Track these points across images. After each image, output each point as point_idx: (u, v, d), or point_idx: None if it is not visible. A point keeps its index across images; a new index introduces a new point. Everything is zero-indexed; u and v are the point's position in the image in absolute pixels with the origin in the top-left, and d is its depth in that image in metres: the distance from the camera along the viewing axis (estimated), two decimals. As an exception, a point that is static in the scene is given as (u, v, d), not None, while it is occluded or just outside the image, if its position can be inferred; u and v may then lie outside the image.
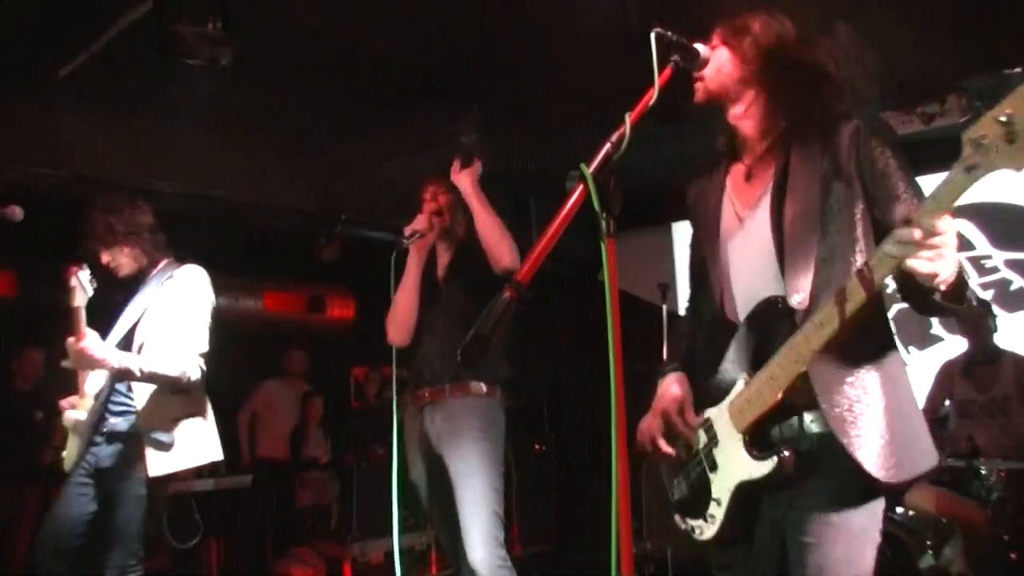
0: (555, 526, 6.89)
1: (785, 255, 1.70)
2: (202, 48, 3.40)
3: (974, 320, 4.43)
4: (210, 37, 3.40)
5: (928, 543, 3.99)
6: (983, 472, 3.98)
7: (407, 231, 3.04)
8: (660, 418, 1.90)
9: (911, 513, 4.05)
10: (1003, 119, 1.20)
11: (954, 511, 3.89)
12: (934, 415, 4.50)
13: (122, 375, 2.95)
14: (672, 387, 1.93)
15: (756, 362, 1.70)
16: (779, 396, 1.64)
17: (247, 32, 3.55)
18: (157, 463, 2.96)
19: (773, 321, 1.69)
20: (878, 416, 1.62)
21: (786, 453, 1.65)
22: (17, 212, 2.88)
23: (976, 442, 4.13)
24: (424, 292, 3.13)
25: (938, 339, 5.27)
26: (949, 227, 1.37)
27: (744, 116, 1.83)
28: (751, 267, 1.79)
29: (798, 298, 1.65)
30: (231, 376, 6.50)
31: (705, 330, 1.93)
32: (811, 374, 1.62)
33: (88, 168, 4.81)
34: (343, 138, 5.40)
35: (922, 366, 4.97)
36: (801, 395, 1.65)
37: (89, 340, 2.88)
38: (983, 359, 4.52)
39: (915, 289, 1.50)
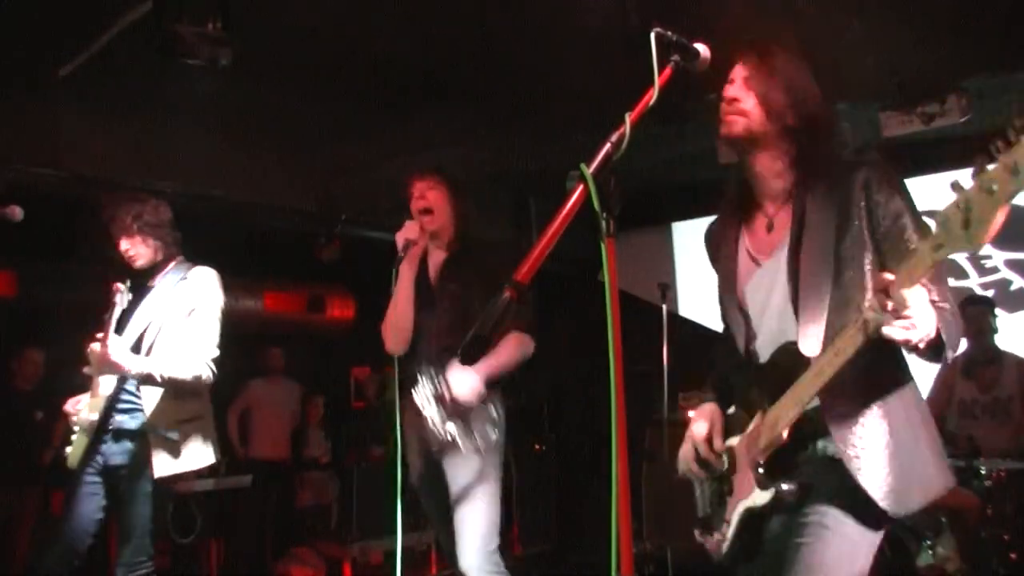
0: (555, 526, 6.89)
1: (800, 303, 1.78)
2: (202, 48, 3.39)
3: (975, 320, 4.43)
4: (210, 37, 3.39)
5: (927, 542, 3.99)
6: (983, 472, 3.98)
7: (399, 242, 2.95)
8: (691, 444, 2.02)
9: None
10: (961, 206, 1.34)
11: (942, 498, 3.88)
12: (938, 415, 4.50)
13: (143, 381, 2.99)
14: (703, 416, 2.03)
15: (770, 400, 1.81)
16: (785, 435, 1.75)
17: (247, 32, 3.54)
18: (163, 464, 2.98)
19: (789, 365, 1.77)
20: (886, 449, 1.71)
21: (785, 487, 1.76)
22: (17, 212, 2.89)
23: (976, 442, 4.13)
24: (419, 295, 3.05)
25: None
26: (918, 299, 1.47)
27: (772, 163, 1.87)
28: (772, 313, 1.87)
29: (810, 345, 1.74)
30: (232, 377, 6.51)
31: (734, 366, 2.03)
32: (823, 406, 1.71)
33: (88, 168, 4.81)
34: (343, 138, 5.40)
35: (922, 367, 4.96)
36: (809, 427, 1.75)
37: (113, 347, 2.92)
38: (983, 359, 4.52)
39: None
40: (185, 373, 3.02)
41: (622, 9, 3.67)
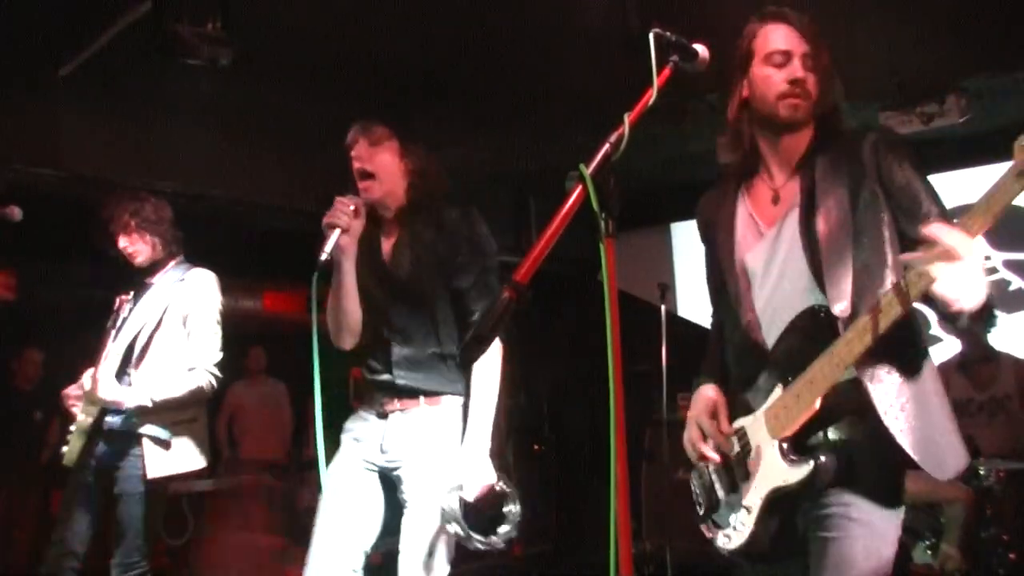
0: (555, 526, 6.89)
1: (824, 267, 1.72)
2: (202, 48, 3.40)
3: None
4: (210, 37, 3.40)
5: (925, 542, 3.99)
6: (982, 472, 3.98)
7: (328, 230, 2.26)
8: (696, 425, 1.93)
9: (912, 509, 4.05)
10: None
11: (934, 489, 3.87)
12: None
13: (138, 412, 2.98)
14: (706, 396, 1.95)
15: (794, 370, 1.72)
16: (818, 402, 1.67)
17: (247, 32, 3.55)
18: (156, 465, 2.99)
19: (814, 330, 1.71)
20: (924, 414, 1.67)
21: (823, 458, 1.68)
22: (17, 212, 2.89)
23: (976, 442, 4.13)
24: (375, 285, 2.45)
25: (937, 339, 5.26)
26: (975, 249, 1.41)
27: (799, 140, 1.86)
28: (780, 283, 1.82)
29: (841, 306, 1.68)
30: (232, 377, 6.52)
31: (732, 345, 1.95)
32: (862, 377, 1.65)
33: (88, 168, 4.81)
34: (343, 138, 5.40)
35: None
36: (839, 401, 1.68)
37: (103, 384, 2.93)
38: (979, 357, 4.51)
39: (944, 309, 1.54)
40: (179, 390, 3.01)
41: (622, 9, 3.67)
